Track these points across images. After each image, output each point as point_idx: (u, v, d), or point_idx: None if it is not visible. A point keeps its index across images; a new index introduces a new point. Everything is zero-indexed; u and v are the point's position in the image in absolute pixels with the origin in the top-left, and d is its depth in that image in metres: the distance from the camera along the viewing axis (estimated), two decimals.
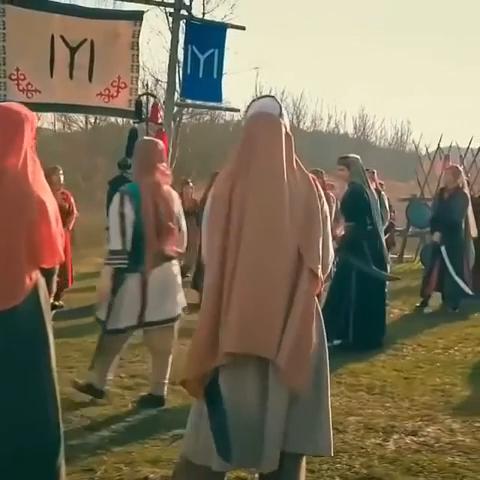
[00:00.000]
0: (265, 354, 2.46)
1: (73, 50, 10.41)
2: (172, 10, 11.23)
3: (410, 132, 33.14)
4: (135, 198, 4.10)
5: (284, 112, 2.67)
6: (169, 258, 4.26)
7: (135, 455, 3.53)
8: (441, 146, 13.83)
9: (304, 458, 2.73)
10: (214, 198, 2.58)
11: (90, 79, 10.51)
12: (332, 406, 4.34)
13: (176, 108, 12.10)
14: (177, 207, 4.36)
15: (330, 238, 2.69)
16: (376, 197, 6.36)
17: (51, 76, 10.21)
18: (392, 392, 4.73)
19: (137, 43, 10.81)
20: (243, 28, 11.84)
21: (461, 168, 13.04)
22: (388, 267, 6.40)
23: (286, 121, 2.66)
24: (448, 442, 3.78)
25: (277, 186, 2.51)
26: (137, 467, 3.39)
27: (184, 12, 11.16)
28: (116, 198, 4.16)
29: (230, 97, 49.37)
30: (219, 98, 11.81)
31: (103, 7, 14.41)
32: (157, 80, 17.50)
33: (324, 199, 2.64)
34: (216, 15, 16.52)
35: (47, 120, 21.42)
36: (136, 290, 4.16)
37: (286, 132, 2.62)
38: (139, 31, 10.85)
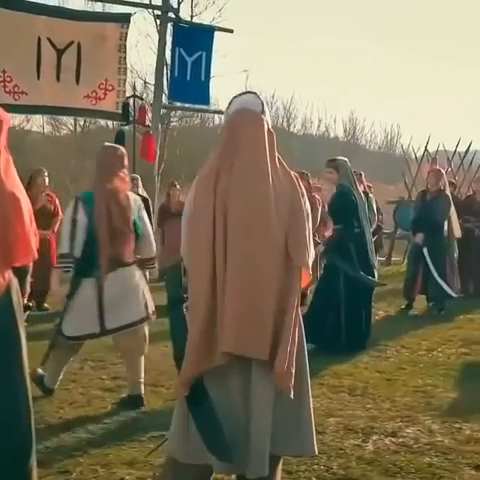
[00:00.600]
0: (260, 356, 2.44)
1: (60, 52, 10.41)
2: (160, 13, 11.28)
3: (400, 135, 33.31)
4: (88, 204, 4.18)
5: (266, 109, 2.66)
6: (126, 264, 4.28)
7: (112, 457, 3.50)
8: (429, 149, 13.91)
9: (281, 459, 2.72)
10: (198, 191, 2.55)
11: (77, 81, 10.51)
12: (313, 407, 4.37)
13: (164, 110, 12.09)
14: (138, 213, 4.36)
15: (311, 237, 2.68)
16: (364, 200, 6.34)
17: (38, 78, 10.20)
18: (374, 393, 4.71)
19: (124, 45, 10.83)
20: (231, 31, 11.86)
21: (449, 170, 13.16)
22: (375, 271, 6.36)
23: (268, 118, 2.65)
24: (427, 443, 3.77)
25: (262, 182, 2.49)
26: (113, 469, 3.36)
27: (171, 15, 11.19)
28: (70, 204, 4.27)
29: (220, 100, 49.49)
30: (207, 101, 11.82)
31: (91, 9, 14.25)
32: (145, 82, 17.50)
33: (306, 197, 2.64)
34: (204, 18, 16.53)
35: (36, 123, 21.36)
36: (91, 295, 4.19)
37: (268, 129, 2.61)
38: (126, 33, 10.86)
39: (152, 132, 10.50)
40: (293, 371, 2.51)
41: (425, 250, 7.77)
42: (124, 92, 10.77)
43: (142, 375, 4.41)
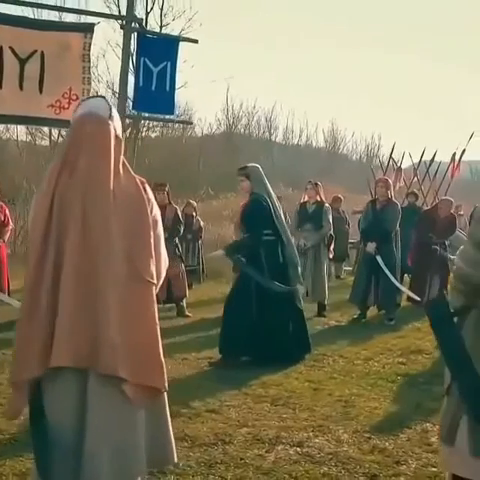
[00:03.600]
0: (104, 370, 2.39)
1: (23, 61, 10.35)
2: (124, 23, 11.30)
3: (381, 145, 33.36)
4: None
5: (115, 114, 2.62)
6: None
7: (6, 468, 3.47)
8: (398, 158, 13.97)
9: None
10: (38, 196, 2.54)
11: (41, 91, 10.42)
12: (228, 417, 4.37)
13: (129, 120, 12.10)
14: None
15: (162, 243, 2.66)
16: (278, 206, 6.08)
17: (0, 87, 10.20)
18: (295, 403, 4.70)
19: (88, 55, 10.73)
20: (196, 41, 11.81)
21: (415, 180, 13.23)
22: (296, 278, 6.16)
23: (117, 123, 2.61)
24: (330, 452, 3.76)
25: (102, 189, 2.47)
26: None
27: (136, 25, 11.21)
28: None
29: (198, 110, 49.97)
30: (171, 111, 11.79)
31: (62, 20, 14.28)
32: (113, 92, 17.50)
33: (154, 203, 2.62)
34: (174, 28, 16.52)
35: (15, 133, 21.35)
36: None
37: (116, 135, 2.58)
38: (90, 43, 10.76)
39: None
40: (157, 373, 2.50)
41: (379, 258, 7.78)
42: None
43: None
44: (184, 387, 5.04)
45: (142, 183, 2.59)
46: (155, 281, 2.53)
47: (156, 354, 2.49)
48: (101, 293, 2.40)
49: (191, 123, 13.18)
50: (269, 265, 5.80)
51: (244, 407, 4.61)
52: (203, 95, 32.56)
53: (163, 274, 2.68)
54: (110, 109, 2.61)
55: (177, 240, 8.53)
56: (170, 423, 2.66)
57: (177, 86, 11.84)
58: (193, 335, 7.16)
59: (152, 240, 2.53)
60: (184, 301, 8.50)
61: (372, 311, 8.28)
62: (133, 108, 11.65)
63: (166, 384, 2.55)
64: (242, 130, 29.58)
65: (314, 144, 33.76)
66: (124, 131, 12.20)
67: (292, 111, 46.72)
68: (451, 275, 2.61)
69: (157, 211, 2.63)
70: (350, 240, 12.78)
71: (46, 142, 24.10)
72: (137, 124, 15.62)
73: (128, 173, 2.59)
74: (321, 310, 8.42)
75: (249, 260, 5.79)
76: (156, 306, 2.57)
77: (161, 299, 8.27)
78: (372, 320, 8.12)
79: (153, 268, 2.51)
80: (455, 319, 2.62)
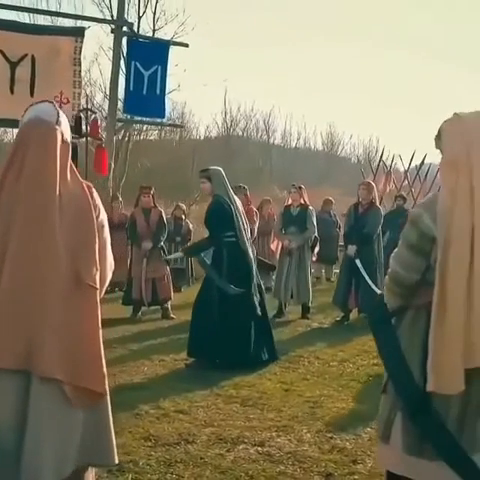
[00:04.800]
0: (42, 372, 2.40)
1: (13, 65, 10.52)
2: (114, 27, 11.38)
3: (378, 148, 33.31)
4: None
5: (62, 119, 2.64)
6: None
7: None
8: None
9: (89, 471, 2.73)
10: None
11: (32, 94, 10.60)
12: (195, 418, 4.43)
13: (119, 123, 12.18)
14: None
15: (108, 248, 2.70)
16: (240, 208, 6.05)
17: None
18: (264, 404, 4.75)
19: (79, 59, 10.93)
20: (186, 45, 11.99)
21: (405, 183, 13.29)
22: (254, 279, 6.00)
23: (64, 128, 2.63)
24: (289, 452, 3.82)
25: (48, 193, 2.49)
26: None
27: (126, 29, 11.29)
28: None
29: (199, 112, 50.07)
30: (162, 114, 11.92)
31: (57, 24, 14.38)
32: (105, 95, 17.60)
33: (100, 208, 2.66)
34: (167, 32, 16.59)
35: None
36: None
37: (63, 140, 2.59)
38: (81, 47, 10.96)
39: (105, 145, 10.60)
40: (98, 378, 2.55)
41: (357, 261, 7.83)
42: (79, 105, 10.87)
43: None
44: (156, 388, 5.11)
45: (89, 188, 2.62)
46: (98, 286, 2.56)
47: (96, 357, 2.52)
48: (41, 295, 2.43)
49: (182, 126, 13.32)
50: (230, 266, 5.82)
51: (213, 407, 4.67)
52: (201, 98, 32.81)
53: (108, 279, 2.72)
54: (58, 114, 2.62)
55: (162, 243, 8.61)
56: (112, 425, 2.67)
57: (169, 89, 12.12)
58: (174, 337, 7.21)
59: (97, 245, 2.57)
60: (169, 303, 8.56)
61: (355, 313, 8.33)
62: (124, 111, 11.85)
63: (106, 387, 2.58)
64: (240, 133, 29.69)
65: (312, 147, 33.84)
66: (115, 134, 12.31)
67: (290, 114, 46.62)
68: (386, 278, 2.66)
69: (104, 216, 2.66)
70: (340, 243, 12.83)
71: None
72: (129, 127, 15.68)
73: (75, 178, 2.61)
74: (305, 312, 8.48)
75: (212, 261, 5.85)
76: (99, 310, 2.61)
77: (146, 301, 8.39)
78: (355, 322, 8.16)
79: (96, 273, 2.54)
80: (393, 320, 2.70)
